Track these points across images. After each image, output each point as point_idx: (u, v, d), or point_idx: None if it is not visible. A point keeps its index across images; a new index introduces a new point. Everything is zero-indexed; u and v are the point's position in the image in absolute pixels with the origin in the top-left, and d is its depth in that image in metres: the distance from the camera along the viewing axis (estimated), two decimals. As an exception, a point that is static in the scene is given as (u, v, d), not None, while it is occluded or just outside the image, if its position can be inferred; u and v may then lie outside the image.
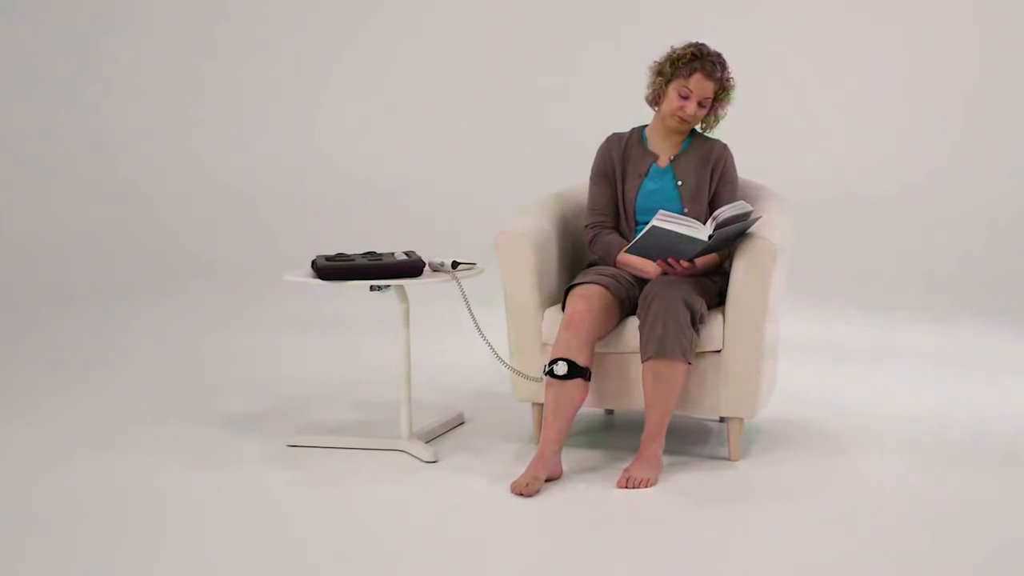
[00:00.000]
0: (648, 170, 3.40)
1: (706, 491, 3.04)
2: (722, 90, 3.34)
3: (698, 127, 3.44)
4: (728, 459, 3.28)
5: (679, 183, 3.37)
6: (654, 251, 3.19)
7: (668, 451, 3.33)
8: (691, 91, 3.30)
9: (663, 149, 3.43)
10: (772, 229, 3.22)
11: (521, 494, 2.98)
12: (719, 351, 3.20)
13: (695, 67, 3.30)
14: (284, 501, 2.99)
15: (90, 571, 2.53)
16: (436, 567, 2.55)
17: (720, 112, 3.39)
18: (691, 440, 3.47)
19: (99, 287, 5.87)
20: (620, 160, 3.43)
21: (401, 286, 3.34)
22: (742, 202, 3.16)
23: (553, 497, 2.99)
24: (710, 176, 3.37)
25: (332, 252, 4.02)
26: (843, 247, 6.21)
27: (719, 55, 3.36)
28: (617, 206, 3.43)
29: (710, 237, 3.08)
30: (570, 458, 3.27)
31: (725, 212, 3.11)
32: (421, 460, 3.29)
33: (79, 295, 5.72)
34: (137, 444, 3.47)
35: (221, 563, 2.58)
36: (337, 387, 4.11)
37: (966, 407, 3.84)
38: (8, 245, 6.23)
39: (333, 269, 3.24)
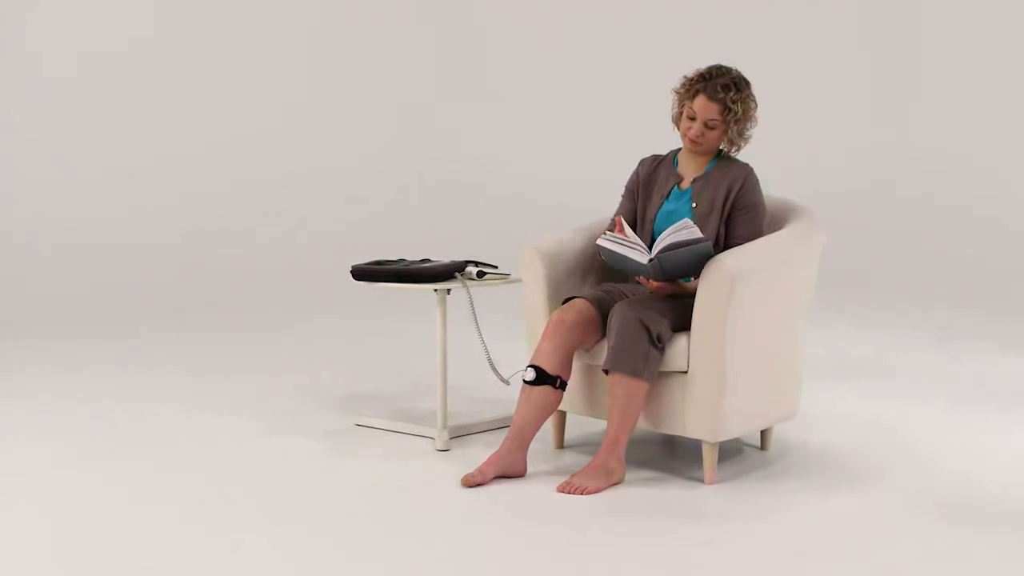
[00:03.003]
0: (670, 191, 3.48)
1: (636, 508, 3.09)
2: (728, 111, 3.34)
3: (723, 148, 3.46)
4: (702, 482, 3.29)
5: (693, 205, 3.42)
6: (620, 267, 3.31)
7: (656, 467, 3.42)
8: (695, 112, 3.35)
9: (688, 171, 3.49)
10: (738, 253, 3.20)
11: (466, 485, 3.24)
12: (685, 372, 3.23)
13: (698, 89, 3.36)
14: (301, 464, 3.50)
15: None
16: (327, 532, 2.93)
17: (735, 131, 3.38)
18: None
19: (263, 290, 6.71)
20: (646, 179, 3.54)
21: (444, 291, 3.70)
22: (690, 228, 3.15)
23: (488, 492, 3.20)
24: (724, 199, 3.38)
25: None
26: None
27: (734, 78, 3.37)
28: (635, 221, 3.53)
29: (650, 260, 3.14)
30: (574, 463, 3.45)
31: (668, 238, 3.14)
32: (436, 448, 3.65)
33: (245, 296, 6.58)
34: (252, 410, 4.14)
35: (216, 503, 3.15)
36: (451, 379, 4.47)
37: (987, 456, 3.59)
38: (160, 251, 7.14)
39: (362, 271, 3.70)
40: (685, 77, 3.43)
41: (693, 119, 3.37)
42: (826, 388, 4.44)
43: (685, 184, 3.47)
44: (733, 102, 3.34)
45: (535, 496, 3.18)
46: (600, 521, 3.00)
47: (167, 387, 4.52)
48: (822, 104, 8.02)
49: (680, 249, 3.14)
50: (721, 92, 3.34)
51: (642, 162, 3.59)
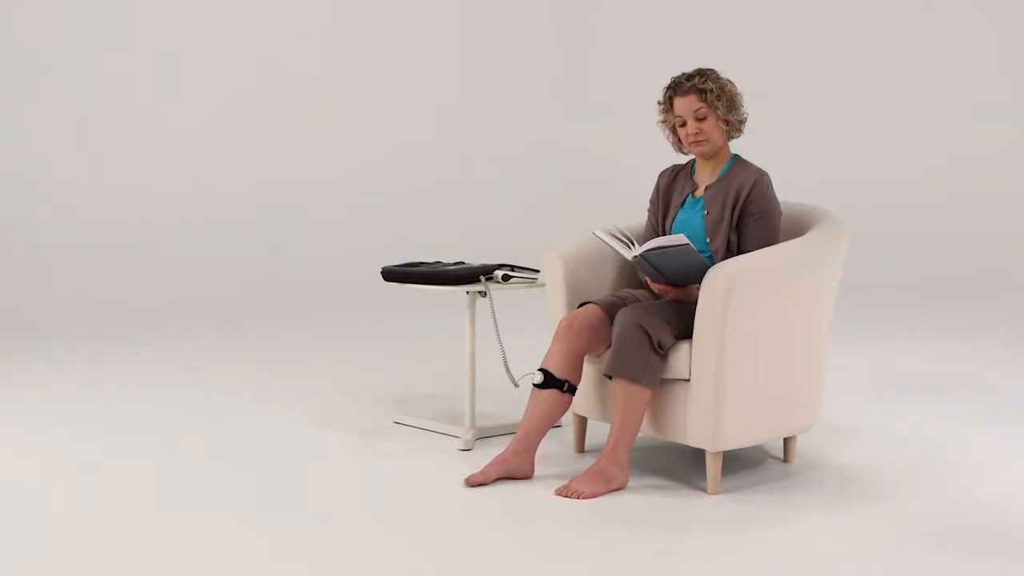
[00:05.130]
0: (685, 200, 3.47)
1: (626, 516, 3.05)
2: (704, 92, 3.34)
3: (728, 136, 3.43)
4: (706, 491, 3.25)
5: (705, 213, 3.38)
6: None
7: (665, 475, 3.39)
8: (681, 115, 3.37)
9: (703, 178, 3.48)
10: (739, 261, 3.14)
11: (468, 485, 3.29)
12: (688, 380, 3.19)
13: (669, 97, 3.43)
14: (323, 458, 3.60)
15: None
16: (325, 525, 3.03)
17: (724, 109, 3.35)
18: (724, 469, 3.43)
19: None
20: (665, 190, 3.55)
21: (476, 293, 3.76)
22: (676, 236, 3.11)
23: (488, 492, 3.23)
24: (733, 206, 3.33)
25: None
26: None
27: (698, 71, 3.40)
28: (658, 234, 3.52)
29: (634, 257, 3.13)
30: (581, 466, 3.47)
31: (655, 241, 3.12)
32: (458, 448, 3.70)
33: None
34: (302, 405, 4.30)
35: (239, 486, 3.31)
36: (497, 382, 4.53)
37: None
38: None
39: (392, 273, 3.79)
40: (657, 102, 3.48)
41: (684, 124, 3.39)
42: (880, 403, 4.33)
43: (699, 192, 3.45)
44: (703, 82, 3.35)
45: (531, 499, 3.19)
46: (581, 526, 2.97)
47: (229, 381, 4.74)
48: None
49: (667, 249, 3.12)
50: (687, 82, 3.37)
51: (661, 174, 3.59)
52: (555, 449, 3.69)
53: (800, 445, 3.68)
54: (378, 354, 5.41)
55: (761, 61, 8.10)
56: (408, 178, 8.16)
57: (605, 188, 8.20)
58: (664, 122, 3.46)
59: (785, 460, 3.53)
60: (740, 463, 3.51)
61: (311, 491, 3.26)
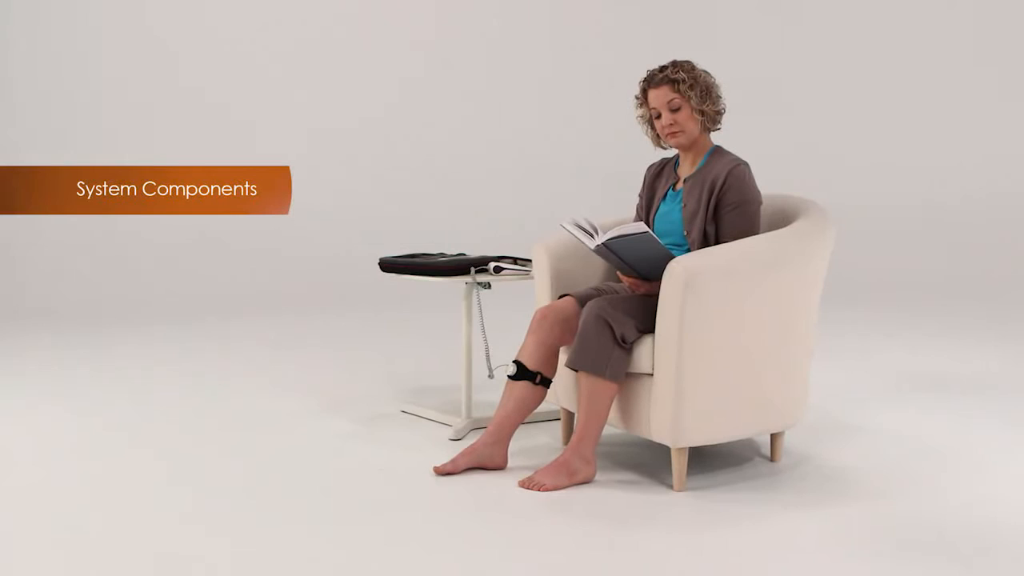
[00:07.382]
0: (667, 193, 3.43)
1: (581, 510, 3.02)
2: (676, 83, 3.30)
3: (707, 128, 3.38)
4: (672, 488, 3.19)
5: (683, 206, 3.34)
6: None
7: (638, 471, 3.36)
8: (656, 107, 3.35)
9: (684, 171, 3.44)
10: (701, 254, 3.07)
11: (437, 474, 3.31)
12: (651, 374, 3.15)
13: (644, 88, 3.40)
14: (319, 444, 3.68)
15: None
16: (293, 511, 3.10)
17: (697, 99, 3.30)
18: (707, 465, 3.38)
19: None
20: (650, 184, 3.53)
21: (474, 283, 3.79)
22: (636, 224, 3.07)
23: (454, 482, 3.24)
24: (708, 198, 3.27)
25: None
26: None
27: (671, 62, 3.36)
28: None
29: (596, 247, 3.11)
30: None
31: (617, 229, 3.08)
32: (448, 437, 3.74)
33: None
34: (311, 392, 4.40)
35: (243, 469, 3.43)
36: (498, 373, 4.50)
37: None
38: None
39: (389, 264, 3.86)
40: (635, 97, 3.44)
41: (659, 117, 3.36)
42: (880, 402, 4.21)
43: (679, 185, 3.40)
44: (675, 73, 3.31)
45: (494, 490, 3.19)
46: (537, 519, 2.96)
47: (232, 371, 4.91)
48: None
49: (628, 237, 3.08)
50: (660, 74, 3.34)
51: (649, 168, 3.56)
52: (543, 441, 3.70)
53: (791, 443, 3.59)
54: (394, 343, 5.53)
55: (798, 62, 7.89)
56: (441, 171, 8.22)
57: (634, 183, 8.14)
58: (641, 117, 3.42)
59: (771, 458, 3.45)
60: (723, 460, 3.45)
61: (285, 477, 3.33)
